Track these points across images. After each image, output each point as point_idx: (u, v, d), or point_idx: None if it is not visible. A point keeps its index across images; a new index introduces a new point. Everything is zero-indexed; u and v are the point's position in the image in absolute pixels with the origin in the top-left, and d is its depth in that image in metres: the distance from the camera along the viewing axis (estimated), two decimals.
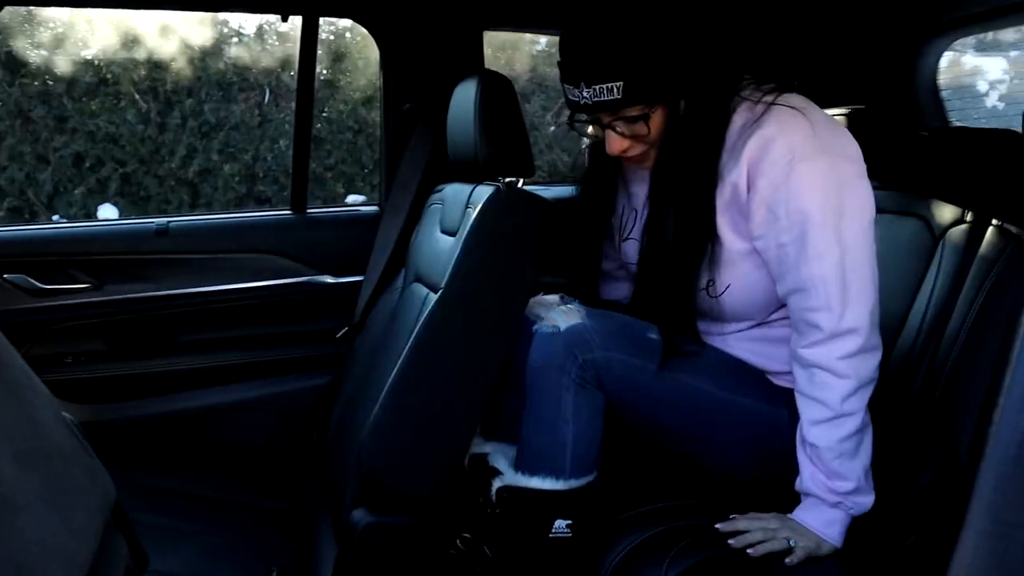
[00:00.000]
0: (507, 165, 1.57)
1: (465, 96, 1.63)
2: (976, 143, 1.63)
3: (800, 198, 1.26)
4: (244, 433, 2.03)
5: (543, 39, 4.76)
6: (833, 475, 1.29)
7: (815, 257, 1.27)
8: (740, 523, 1.32)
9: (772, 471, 1.43)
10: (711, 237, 1.37)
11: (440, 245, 1.69)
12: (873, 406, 1.34)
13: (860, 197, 1.29)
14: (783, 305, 1.39)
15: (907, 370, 1.59)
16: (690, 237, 1.37)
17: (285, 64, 4.44)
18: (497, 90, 1.59)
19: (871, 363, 1.31)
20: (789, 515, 1.32)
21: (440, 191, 1.84)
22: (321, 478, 1.85)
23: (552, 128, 4.84)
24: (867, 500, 1.31)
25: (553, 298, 1.60)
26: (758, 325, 1.46)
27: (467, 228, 1.50)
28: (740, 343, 1.47)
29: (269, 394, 2.05)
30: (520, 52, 4.69)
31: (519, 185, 1.58)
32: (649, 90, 1.29)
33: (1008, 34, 3.25)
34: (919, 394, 1.55)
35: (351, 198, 4.70)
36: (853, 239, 1.27)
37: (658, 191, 1.42)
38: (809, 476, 1.31)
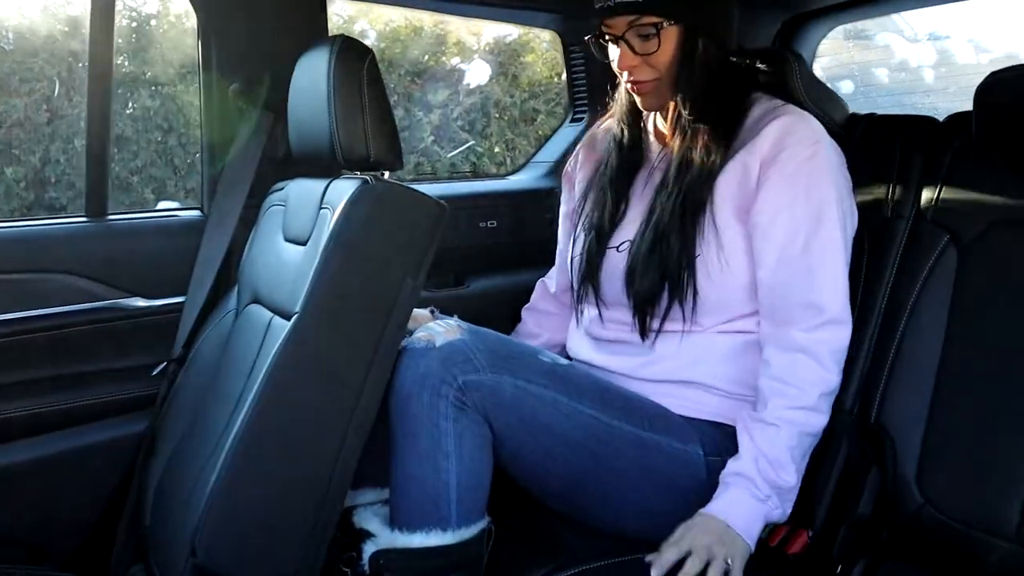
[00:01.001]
0: (372, 155, 1.26)
1: (313, 69, 1.31)
2: (896, 130, 1.49)
3: (821, 181, 1.26)
4: (36, 498, 1.57)
5: (372, 34, 4.44)
6: (779, 465, 1.21)
7: (828, 240, 1.26)
8: (668, 554, 1.15)
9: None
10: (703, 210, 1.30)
11: (285, 257, 1.36)
12: None
13: (852, 201, 1.34)
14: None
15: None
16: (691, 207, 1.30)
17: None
18: (357, 60, 1.27)
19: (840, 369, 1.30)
20: (702, 513, 1.20)
21: (281, 190, 1.50)
22: (139, 555, 1.46)
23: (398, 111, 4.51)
24: (786, 511, 1.24)
25: (423, 312, 1.33)
26: (727, 321, 1.33)
27: (324, 235, 1.18)
28: (711, 339, 1.34)
29: (68, 449, 1.59)
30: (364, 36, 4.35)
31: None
32: (667, 2, 1.26)
33: None
34: (852, 412, 1.39)
35: (162, 204, 4.16)
36: (848, 238, 1.30)
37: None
38: (752, 459, 1.22)
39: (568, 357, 1.45)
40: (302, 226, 1.32)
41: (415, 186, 1.87)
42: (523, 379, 1.20)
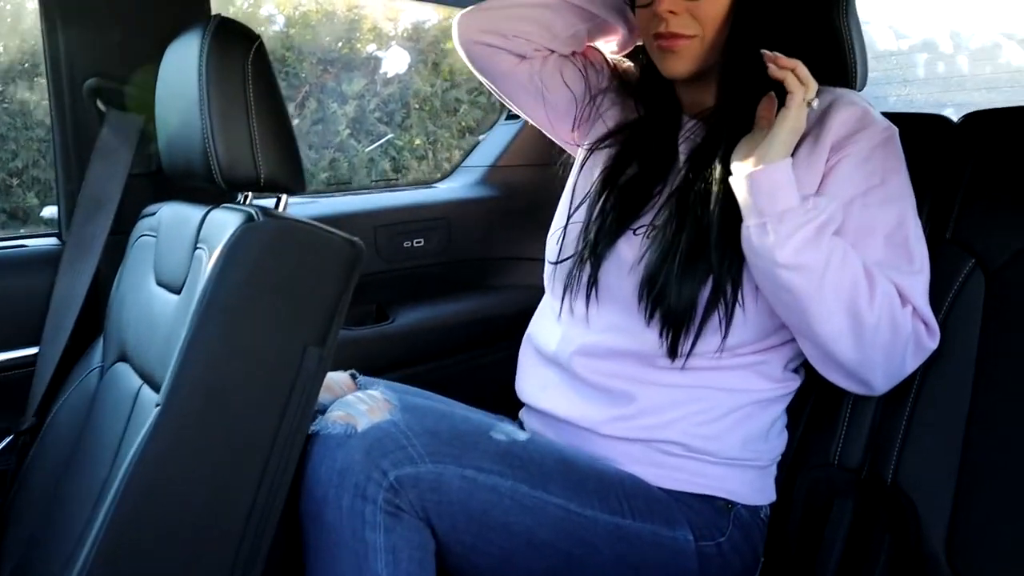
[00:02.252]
0: (262, 175, 0.96)
1: (183, 61, 1.00)
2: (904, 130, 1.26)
3: (899, 169, 1.07)
4: None
5: (280, 18, 4.10)
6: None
7: (909, 222, 1.06)
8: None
9: None
10: None
11: (156, 306, 1.05)
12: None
13: None
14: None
15: (843, 439, 1.18)
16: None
17: None
18: (238, 48, 0.97)
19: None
20: None
21: (152, 215, 1.19)
22: None
23: (296, 121, 4.18)
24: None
25: (341, 376, 1.04)
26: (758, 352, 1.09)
27: (200, 286, 0.87)
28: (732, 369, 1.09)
29: None
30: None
31: (282, 208, 0.99)
32: None
33: None
34: (860, 470, 1.15)
35: (48, 211, 3.73)
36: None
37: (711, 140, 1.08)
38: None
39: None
40: (175, 268, 1.01)
41: (320, 202, 1.60)
42: (472, 467, 0.93)
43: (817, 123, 1.06)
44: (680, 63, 1.07)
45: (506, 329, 1.46)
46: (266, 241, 0.87)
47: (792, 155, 1.00)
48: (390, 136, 4.32)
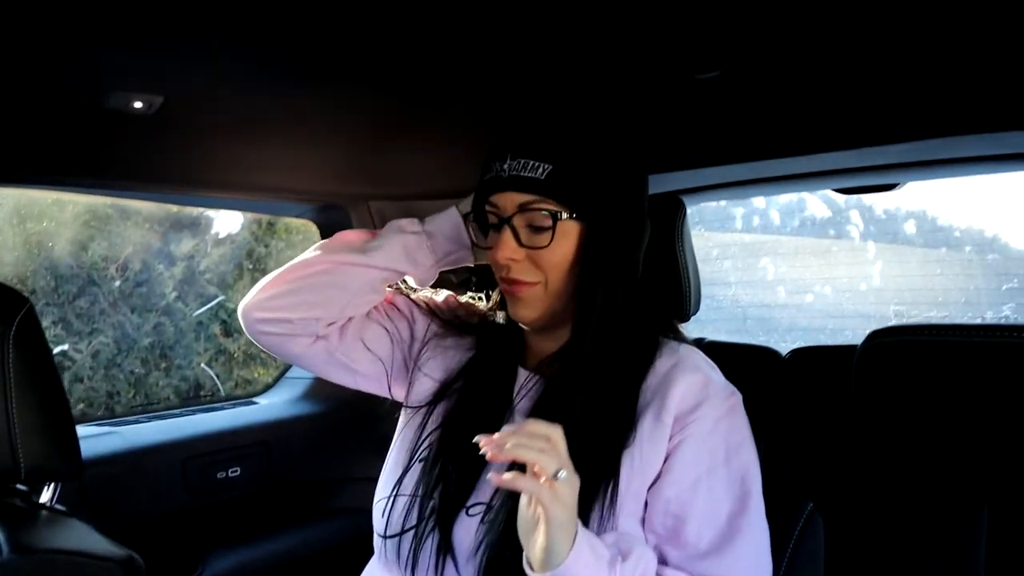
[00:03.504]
0: (24, 464, 0.81)
1: None
2: (735, 362, 1.24)
3: (743, 442, 1.00)
4: None
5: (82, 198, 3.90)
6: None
7: (755, 520, 0.97)
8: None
9: None
10: (614, 473, 0.96)
11: None
12: None
13: None
14: None
15: None
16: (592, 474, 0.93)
17: None
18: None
19: None
20: None
21: None
22: None
23: (117, 283, 3.91)
24: None
25: None
26: None
27: None
28: None
29: None
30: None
31: (54, 497, 0.83)
32: (573, 186, 0.99)
33: None
34: None
35: None
36: None
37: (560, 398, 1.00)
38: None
39: None
40: None
41: (120, 432, 1.40)
42: None
43: (660, 392, 1.00)
44: (526, 310, 1.02)
45: (338, 567, 1.31)
46: None
47: (633, 429, 0.95)
48: (221, 298, 4.10)
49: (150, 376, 3.83)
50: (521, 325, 1.05)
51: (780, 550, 1.12)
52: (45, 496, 0.91)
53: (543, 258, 1.00)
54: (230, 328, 4.15)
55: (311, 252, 1.10)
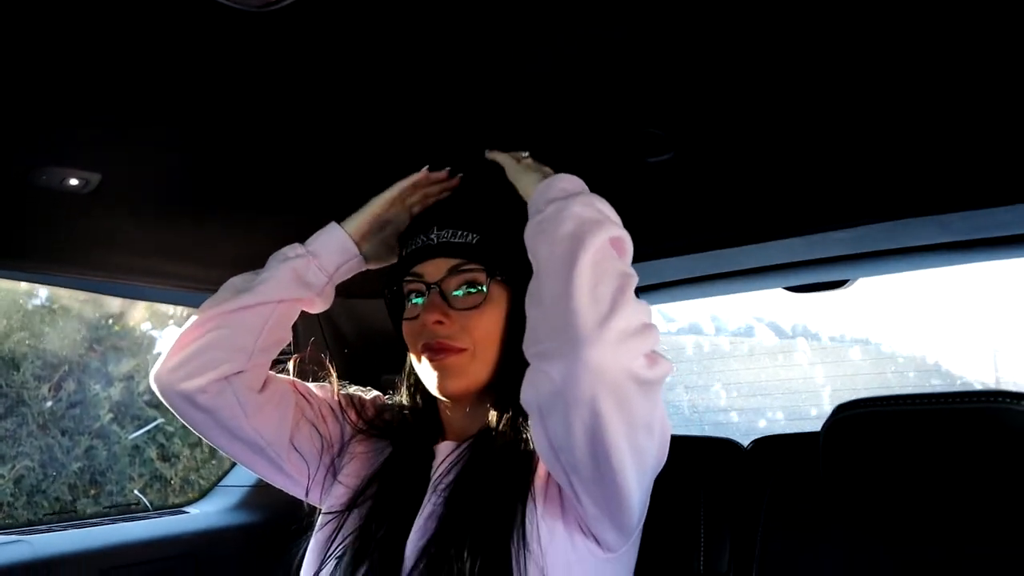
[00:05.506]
0: None
1: None
2: (695, 456, 1.19)
3: None
4: None
5: (43, 291, 3.81)
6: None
7: None
8: None
9: None
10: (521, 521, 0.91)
11: None
12: None
13: None
14: None
15: None
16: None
17: None
18: None
19: None
20: None
21: None
22: None
23: (49, 403, 3.76)
24: None
25: None
26: None
27: None
28: None
29: None
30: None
31: None
32: (501, 253, 1.00)
33: None
34: None
35: None
36: None
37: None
38: None
39: None
40: None
41: (31, 541, 1.29)
42: None
43: None
44: (453, 379, 0.98)
45: None
46: None
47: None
48: (159, 421, 3.95)
49: (77, 503, 3.61)
50: (443, 400, 1.02)
51: None
52: None
53: (472, 322, 0.98)
54: (168, 452, 3.98)
55: (201, 310, 1.05)
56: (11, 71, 0.84)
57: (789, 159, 1.08)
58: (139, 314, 4.12)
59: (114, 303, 4.03)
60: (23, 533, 1.32)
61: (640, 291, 1.32)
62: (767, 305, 6.80)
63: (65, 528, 1.36)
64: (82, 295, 3.93)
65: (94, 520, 1.44)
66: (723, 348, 6.74)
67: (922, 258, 1.35)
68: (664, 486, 1.08)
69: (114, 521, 1.42)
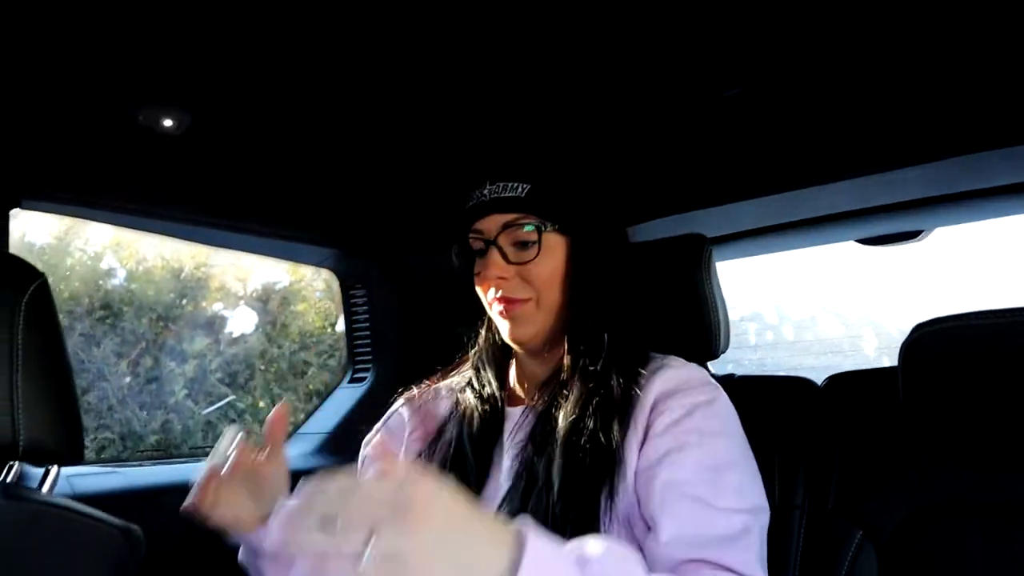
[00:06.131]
0: (23, 439, 0.76)
1: None
2: (770, 395, 1.20)
3: (716, 430, 0.94)
4: None
5: (121, 272, 3.94)
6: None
7: (727, 482, 0.90)
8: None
9: None
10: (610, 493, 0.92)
11: None
12: None
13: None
14: None
15: None
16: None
17: None
18: (10, 291, 0.80)
19: None
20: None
21: None
22: None
23: (127, 379, 3.89)
24: None
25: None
26: None
27: None
28: None
29: None
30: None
31: (49, 484, 0.78)
32: (553, 201, 1.03)
33: None
34: None
35: None
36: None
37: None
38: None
39: None
40: None
41: (122, 472, 1.35)
42: None
43: (643, 390, 0.98)
44: (522, 328, 1.03)
45: None
46: (8, 531, 0.65)
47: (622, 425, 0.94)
48: (231, 398, 4.06)
49: None
50: (516, 348, 1.05)
51: None
52: (44, 489, 0.86)
53: (532, 273, 1.02)
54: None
55: None
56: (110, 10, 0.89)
57: (859, 93, 1.08)
58: (212, 295, 4.25)
59: (186, 285, 4.16)
60: (117, 466, 1.40)
61: (714, 243, 1.34)
62: (832, 296, 6.66)
63: (154, 464, 1.43)
64: (158, 274, 4.06)
65: (182, 459, 1.50)
66: (787, 337, 6.64)
67: (1006, 202, 1.32)
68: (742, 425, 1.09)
69: (198, 460, 1.48)
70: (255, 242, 1.49)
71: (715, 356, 1.22)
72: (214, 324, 4.16)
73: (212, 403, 3.97)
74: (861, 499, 1.07)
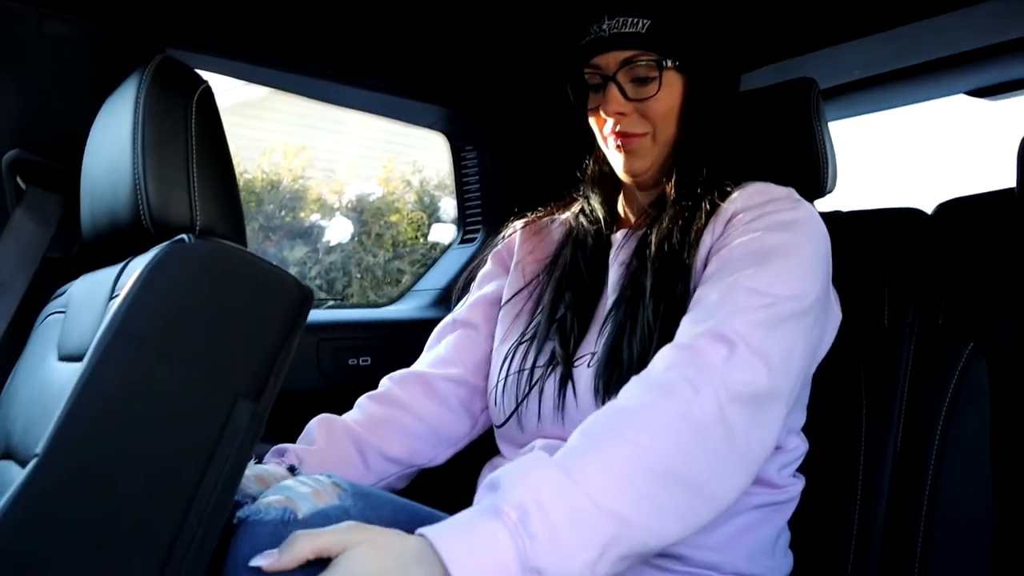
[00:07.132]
0: (199, 218, 0.85)
1: (117, 107, 0.90)
2: (878, 226, 1.21)
3: (798, 243, 0.92)
4: None
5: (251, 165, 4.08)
6: (582, 478, 0.71)
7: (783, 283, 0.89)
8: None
9: None
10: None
11: (54, 384, 0.88)
12: None
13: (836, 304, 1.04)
14: None
15: (854, 553, 1.03)
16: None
17: None
18: (180, 88, 0.88)
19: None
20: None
21: (62, 294, 1.04)
22: None
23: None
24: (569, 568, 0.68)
25: (276, 469, 0.92)
26: None
27: (108, 320, 0.72)
28: None
29: None
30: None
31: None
32: (674, 38, 1.03)
33: None
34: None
35: None
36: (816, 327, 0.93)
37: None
38: (532, 460, 0.74)
39: None
40: (82, 334, 0.86)
41: None
42: None
43: (729, 202, 1.00)
44: (637, 161, 1.06)
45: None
46: (195, 266, 0.73)
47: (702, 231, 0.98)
48: (331, 303, 4.21)
49: None
50: (627, 180, 1.08)
51: (941, 393, 1.07)
52: None
53: (650, 109, 1.03)
54: None
55: None
56: None
57: None
58: (309, 207, 4.39)
59: (284, 197, 4.30)
60: None
61: (825, 96, 1.34)
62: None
63: None
64: (258, 186, 4.22)
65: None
66: None
67: None
68: (848, 259, 1.12)
69: (320, 307, 1.59)
70: (374, 99, 1.56)
71: (822, 194, 1.24)
72: (312, 233, 4.32)
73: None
74: (973, 314, 1.09)
